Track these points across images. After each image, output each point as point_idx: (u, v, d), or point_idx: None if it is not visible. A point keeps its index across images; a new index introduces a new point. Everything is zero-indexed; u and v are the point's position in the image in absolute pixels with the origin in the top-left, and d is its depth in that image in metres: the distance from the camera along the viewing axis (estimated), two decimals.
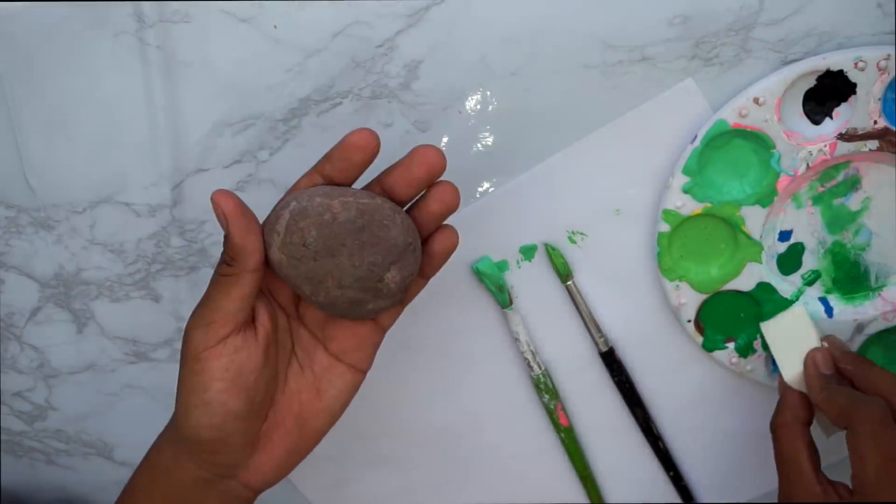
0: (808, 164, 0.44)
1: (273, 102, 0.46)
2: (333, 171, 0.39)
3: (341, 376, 0.42)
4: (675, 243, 0.47)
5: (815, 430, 0.43)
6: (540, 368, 0.50)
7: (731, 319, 0.48)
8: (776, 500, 0.42)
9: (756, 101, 0.43)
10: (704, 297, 0.47)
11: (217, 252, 0.50)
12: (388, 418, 0.53)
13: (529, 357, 0.50)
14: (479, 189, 0.48)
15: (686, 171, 0.45)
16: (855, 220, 0.46)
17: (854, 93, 0.43)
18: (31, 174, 0.49)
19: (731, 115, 0.44)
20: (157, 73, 0.46)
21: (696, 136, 0.44)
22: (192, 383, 0.39)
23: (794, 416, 0.42)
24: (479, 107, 0.46)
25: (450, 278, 0.48)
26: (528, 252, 0.49)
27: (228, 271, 0.38)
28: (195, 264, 0.50)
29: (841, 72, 0.43)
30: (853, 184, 0.46)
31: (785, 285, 0.47)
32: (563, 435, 0.52)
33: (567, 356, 0.51)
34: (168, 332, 0.53)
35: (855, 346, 0.47)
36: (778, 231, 0.47)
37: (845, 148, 0.44)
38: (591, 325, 0.49)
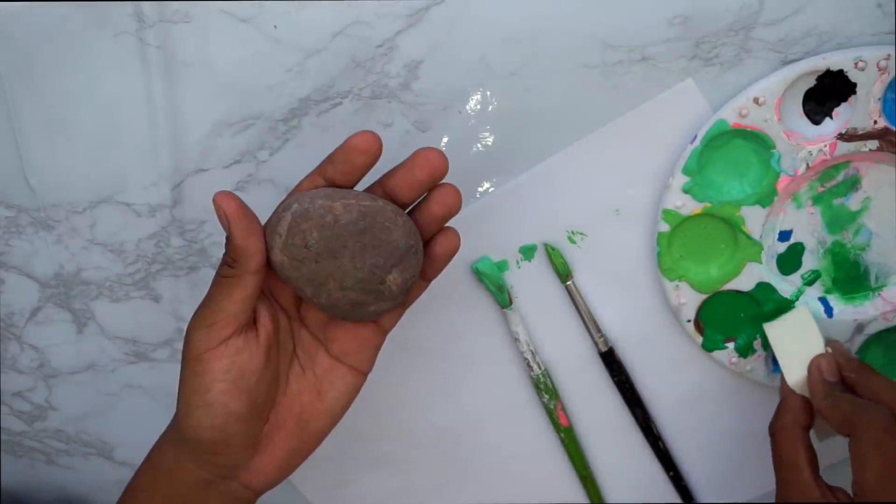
0: (807, 164, 0.44)
1: (273, 102, 0.46)
2: (335, 174, 0.39)
3: (342, 378, 0.42)
4: (674, 243, 0.47)
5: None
6: (540, 368, 0.50)
7: (730, 319, 0.48)
8: (775, 501, 0.42)
9: (756, 101, 0.43)
10: (704, 297, 0.47)
11: (217, 252, 0.50)
12: (389, 419, 0.53)
13: (529, 357, 0.50)
14: (479, 189, 0.48)
15: (686, 171, 0.45)
16: (855, 220, 0.46)
17: (854, 93, 0.43)
18: (31, 174, 0.49)
19: (731, 114, 0.44)
20: (157, 73, 0.46)
21: (695, 136, 0.44)
22: (193, 384, 0.39)
23: (794, 421, 0.42)
24: (479, 107, 0.46)
25: (450, 279, 0.48)
26: (527, 252, 0.49)
27: (230, 273, 0.38)
28: (195, 264, 0.50)
29: (841, 72, 0.43)
30: (853, 184, 0.46)
31: (785, 285, 0.47)
32: (562, 435, 0.52)
33: (567, 356, 0.51)
34: (168, 333, 0.53)
35: (855, 347, 0.47)
36: (778, 231, 0.47)
37: (845, 148, 0.44)
38: (590, 325, 0.49)
